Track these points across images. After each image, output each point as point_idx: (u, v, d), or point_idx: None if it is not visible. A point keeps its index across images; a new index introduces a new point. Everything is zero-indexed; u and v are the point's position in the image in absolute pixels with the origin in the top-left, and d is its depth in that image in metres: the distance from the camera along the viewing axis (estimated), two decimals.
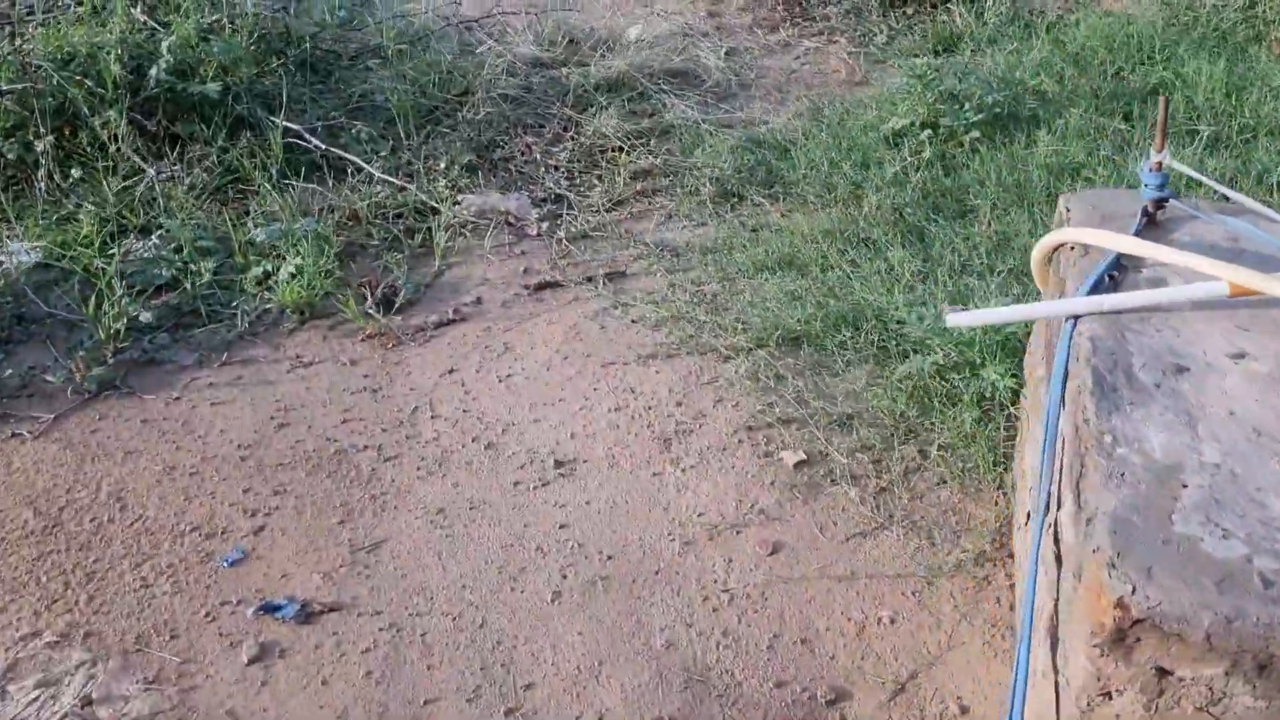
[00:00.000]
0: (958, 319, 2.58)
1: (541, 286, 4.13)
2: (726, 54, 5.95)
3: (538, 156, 5.00)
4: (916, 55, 5.87)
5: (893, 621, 2.65)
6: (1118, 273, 2.46)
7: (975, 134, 4.68)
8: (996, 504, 2.91)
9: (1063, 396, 2.28)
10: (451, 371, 3.69)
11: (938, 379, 3.24)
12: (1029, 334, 3.16)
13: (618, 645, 2.63)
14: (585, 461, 3.23)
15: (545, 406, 3.48)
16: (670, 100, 5.40)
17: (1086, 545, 1.79)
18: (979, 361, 3.17)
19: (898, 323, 3.60)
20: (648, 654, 2.60)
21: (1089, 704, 1.83)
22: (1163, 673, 1.71)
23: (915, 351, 3.46)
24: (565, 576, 2.84)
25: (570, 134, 5.17)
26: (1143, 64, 5.34)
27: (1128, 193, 2.79)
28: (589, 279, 4.15)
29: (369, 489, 3.18)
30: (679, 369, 3.58)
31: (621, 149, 5.00)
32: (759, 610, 2.70)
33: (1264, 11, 5.69)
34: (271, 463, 3.30)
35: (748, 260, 4.12)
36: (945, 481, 3.00)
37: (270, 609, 2.77)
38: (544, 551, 2.92)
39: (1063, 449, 2.20)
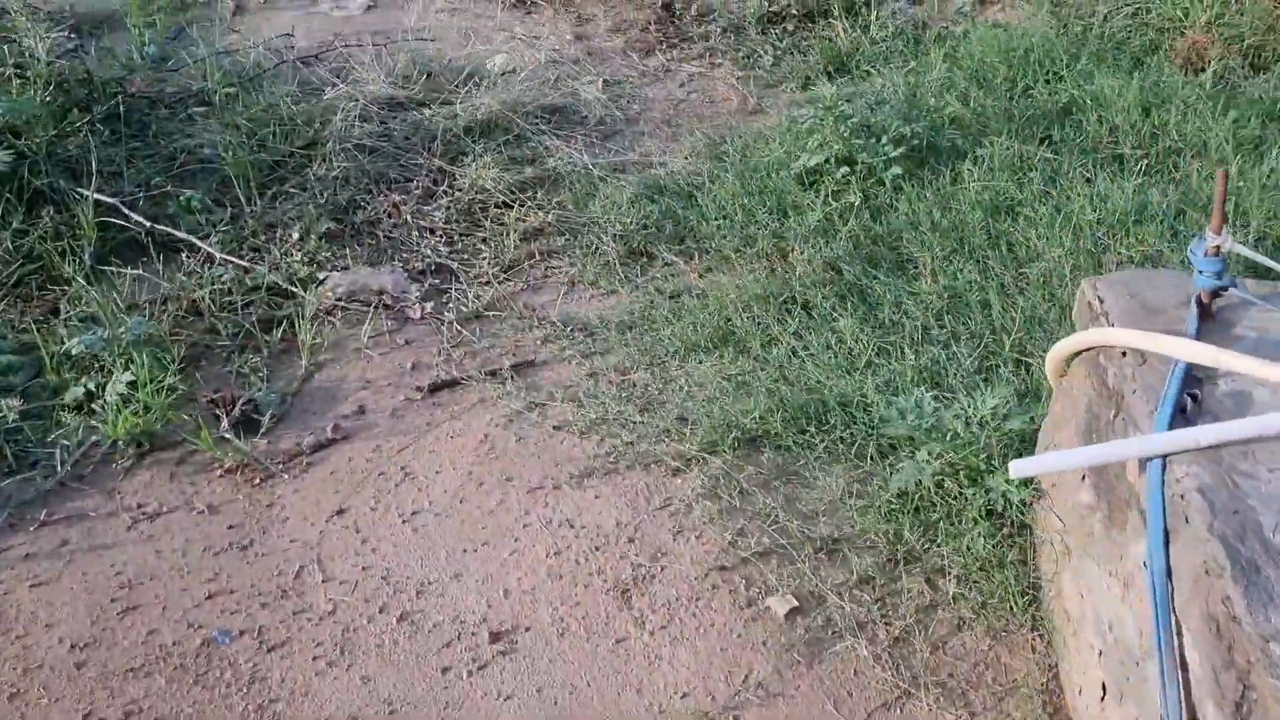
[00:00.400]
0: (1022, 469, 2.09)
1: (437, 387, 3.47)
2: (605, 84, 5.37)
3: (408, 218, 4.31)
4: (809, 77, 5.44)
5: None
6: (1197, 391, 2.01)
7: (896, 170, 4.25)
8: (1034, 649, 2.45)
9: (1168, 565, 1.81)
10: (341, 512, 3.00)
11: (936, 490, 2.76)
12: (1038, 429, 2.71)
13: None
14: (528, 630, 2.61)
15: (466, 554, 2.84)
16: (552, 142, 4.79)
17: None
18: (983, 467, 2.71)
19: (865, 409, 3.12)
20: None
21: None
22: None
23: (895, 448, 2.99)
24: None
25: (443, 188, 4.49)
26: (1048, 81, 5.04)
27: (1166, 275, 2.37)
28: (492, 373, 3.52)
29: (253, 697, 2.48)
30: (622, 490, 3.00)
31: (506, 204, 4.37)
32: None
33: (1154, 19, 5.50)
34: (118, 668, 2.56)
35: (675, 338, 3.56)
36: (967, 623, 2.52)
37: None
38: None
39: (1177, 637, 1.73)
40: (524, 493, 3.02)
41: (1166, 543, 1.83)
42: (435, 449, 3.21)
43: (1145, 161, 4.28)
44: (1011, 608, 2.51)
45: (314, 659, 2.57)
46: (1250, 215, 3.79)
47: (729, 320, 3.62)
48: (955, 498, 2.73)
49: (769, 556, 2.74)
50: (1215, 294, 2.20)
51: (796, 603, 2.60)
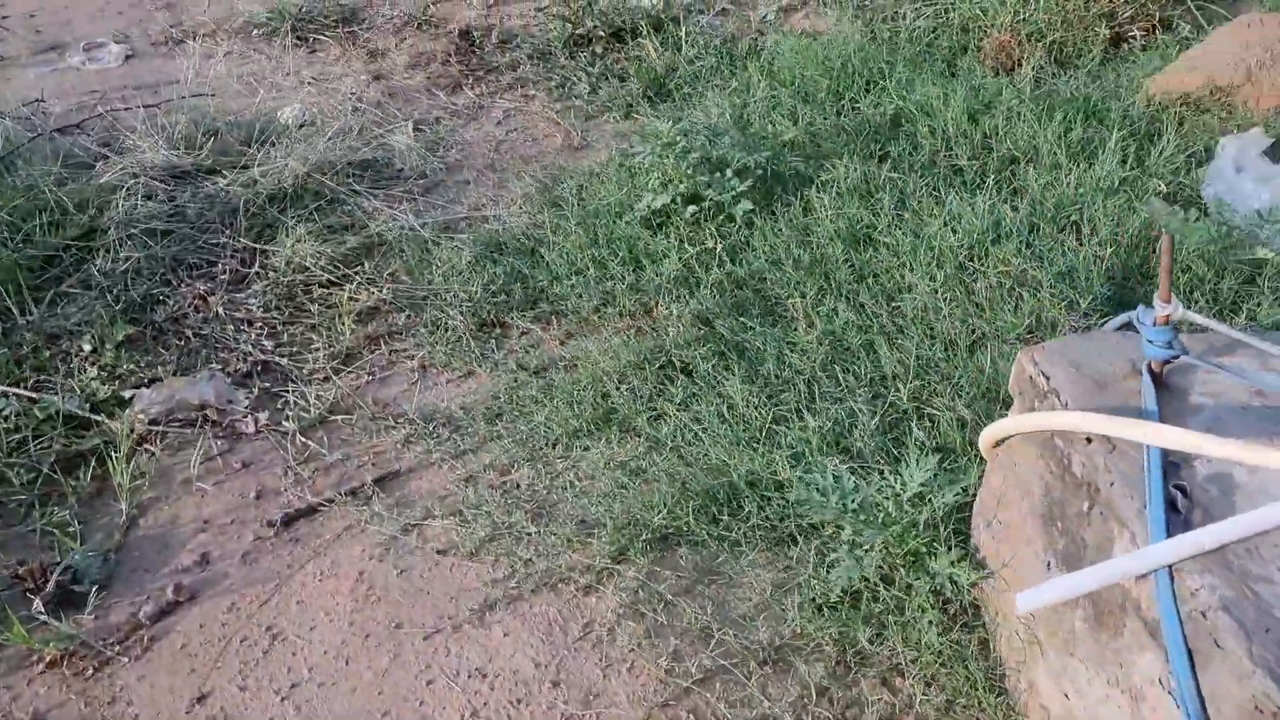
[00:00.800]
0: (1030, 602, 1.90)
1: (292, 518, 3.03)
2: (415, 129, 4.95)
3: (219, 310, 3.79)
4: (630, 105, 5.19)
5: None
6: (1184, 483, 1.88)
7: (747, 205, 4.06)
8: None
9: (1199, 691, 1.66)
10: (203, 699, 2.54)
11: (880, 582, 2.57)
12: (972, 499, 2.57)
13: None
14: None
15: None
16: (370, 203, 4.36)
17: None
18: (923, 550, 2.53)
19: (778, 487, 2.91)
20: None
21: None
22: None
23: (816, 529, 2.78)
24: None
25: (255, 270, 3.99)
26: (868, 91, 4.98)
27: (1102, 341, 2.24)
28: (353, 491, 3.10)
29: None
30: (533, 622, 2.67)
31: (332, 282, 3.92)
32: None
33: (957, 19, 5.55)
34: None
35: (552, 423, 3.25)
36: None
37: None
38: None
39: None
40: (420, 640, 2.64)
41: (1192, 664, 1.68)
42: (304, 598, 2.78)
43: (984, 172, 4.27)
44: (980, 704, 2.34)
45: None
46: (1097, 224, 3.81)
47: (606, 395, 3.34)
48: (900, 588, 2.55)
49: (712, 681, 2.48)
50: (1166, 361, 2.09)
51: None
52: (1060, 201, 3.97)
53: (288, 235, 4.07)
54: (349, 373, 3.57)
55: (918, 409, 3.10)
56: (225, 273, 3.97)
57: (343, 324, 3.73)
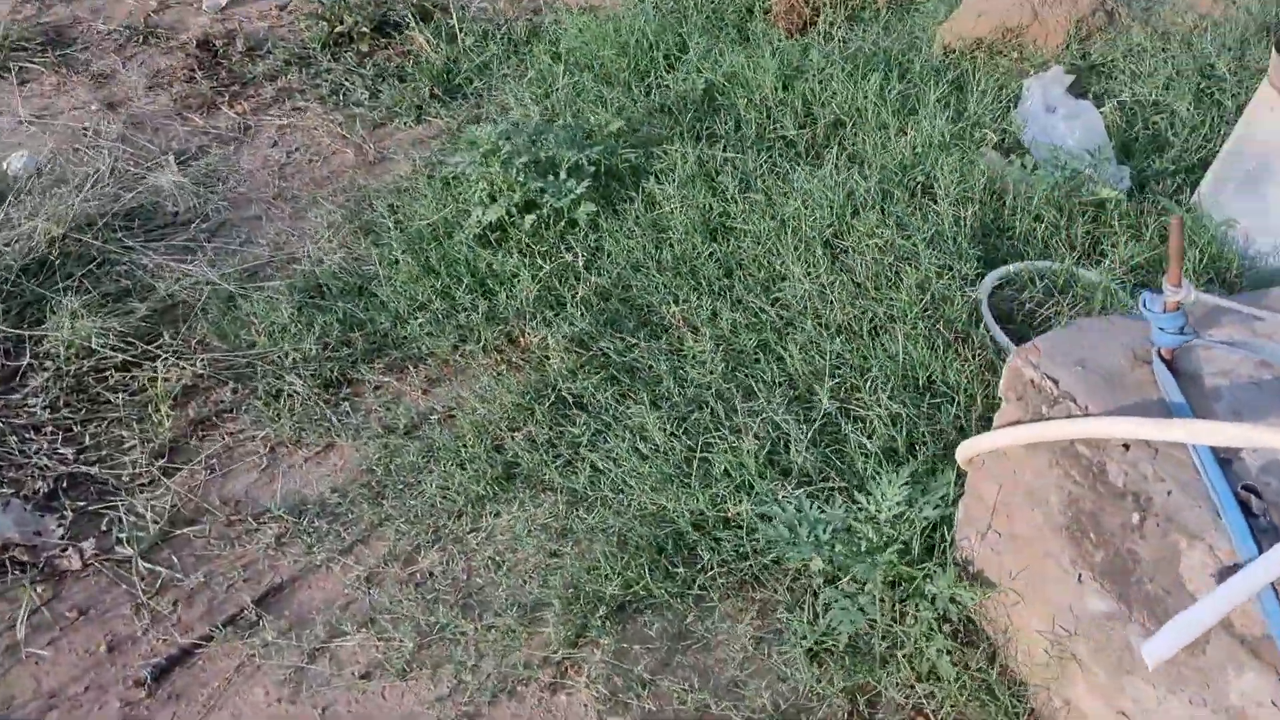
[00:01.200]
0: (1158, 650, 1.72)
1: (164, 670, 2.49)
2: (179, 163, 4.28)
3: None
4: (420, 106, 4.72)
5: None
6: (1253, 484, 1.77)
7: (590, 207, 3.75)
8: None
9: None
10: None
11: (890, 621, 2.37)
12: (953, 513, 2.42)
13: None
14: None
15: None
16: (150, 260, 3.71)
17: None
18: (916, 575, 2.36)
19: (725, 524, 2.66)
20: None
21: None
22: None
23: (777, 563, 2.56)
24: None
25: (28, 362, 3.29)
26: (672, 68, 4.76)
27: (1090, 330, 2.12)
28: (230, 620, 2.59)
29: None
30: None
31: (131, 362, 3.29)
32: None
33: None
34: None
35: (447, 491, 2.85)
36: None
37: None
38: None
39: None
40: None
41: None
42: None
43: (815, 141, 4.15)
44: None
45: None
46: (944, 184, 3.76)
47: (500, 448, 2.97)
48: (894, 614, 2.37)
49: None
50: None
51: None
52: (903, 164, 3.90)
53: (59, 313, 3.39)
54: (180, 470, 3.00)
55: (843, 409, 2.92)
56: None
57: (157, 411, 3.14)
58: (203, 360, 3.30)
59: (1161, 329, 1.95)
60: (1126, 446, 1.88)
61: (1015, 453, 2.14)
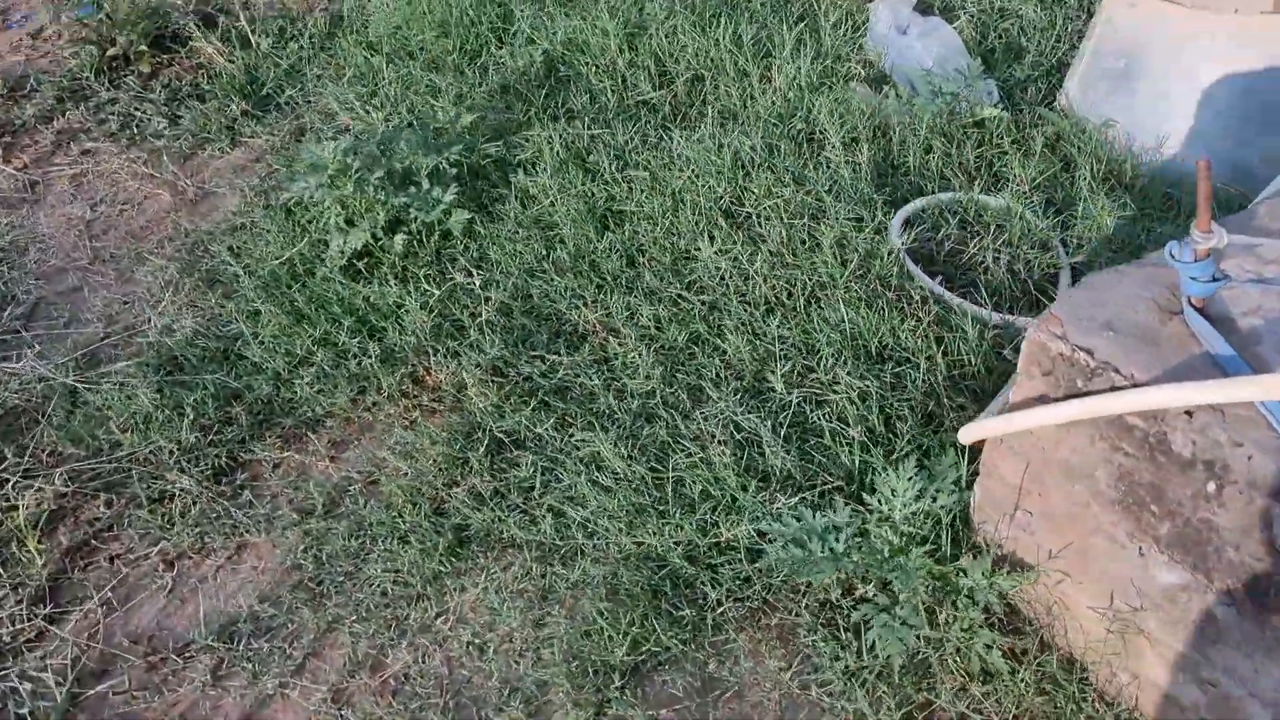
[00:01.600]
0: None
1: None
2: None
3: None
4: (233, 129, 4.20)
5: None
6: None
7: (463, 215, 3.39)
8: None
9: None
10: None
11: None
12: (967, 497, 2.27)
13: None
14: None
15: None
16: None
17: None
18: (950, 571, 2.20)
19: (720, 550, 2.43)
20: None
21: None
22: None
23: (784, 582, 2.36)
24: None
25: None
26: (503, 43, 4.38)
27: (1104, 286, 1.97)
28: None
29: None
30: None
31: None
32: None
33: None
34: None
35: (397, 574, 2.51)
36: None
37: None
38: None
39: None
40: None
41: None
42: None
43: (679, 102, 3.91)
44: (1086, 714, 2.09)
45: None
46: (827, 129, 3.59)
47: (442, 511, 2.64)
48: (939, 619, 2.21)
49: None
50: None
51: None
52: (778, 114, 3.71)
53: None
54: (71, 615, 2.54)
55: (805, 396, 2.72)
56: None
57: (22, 547, 2.65)
58: (60, 475, 2.81)
59: (1194, 278, 1.82)
60: (1189, 413, 1.74)
61: (1045, 429, 1.99)
